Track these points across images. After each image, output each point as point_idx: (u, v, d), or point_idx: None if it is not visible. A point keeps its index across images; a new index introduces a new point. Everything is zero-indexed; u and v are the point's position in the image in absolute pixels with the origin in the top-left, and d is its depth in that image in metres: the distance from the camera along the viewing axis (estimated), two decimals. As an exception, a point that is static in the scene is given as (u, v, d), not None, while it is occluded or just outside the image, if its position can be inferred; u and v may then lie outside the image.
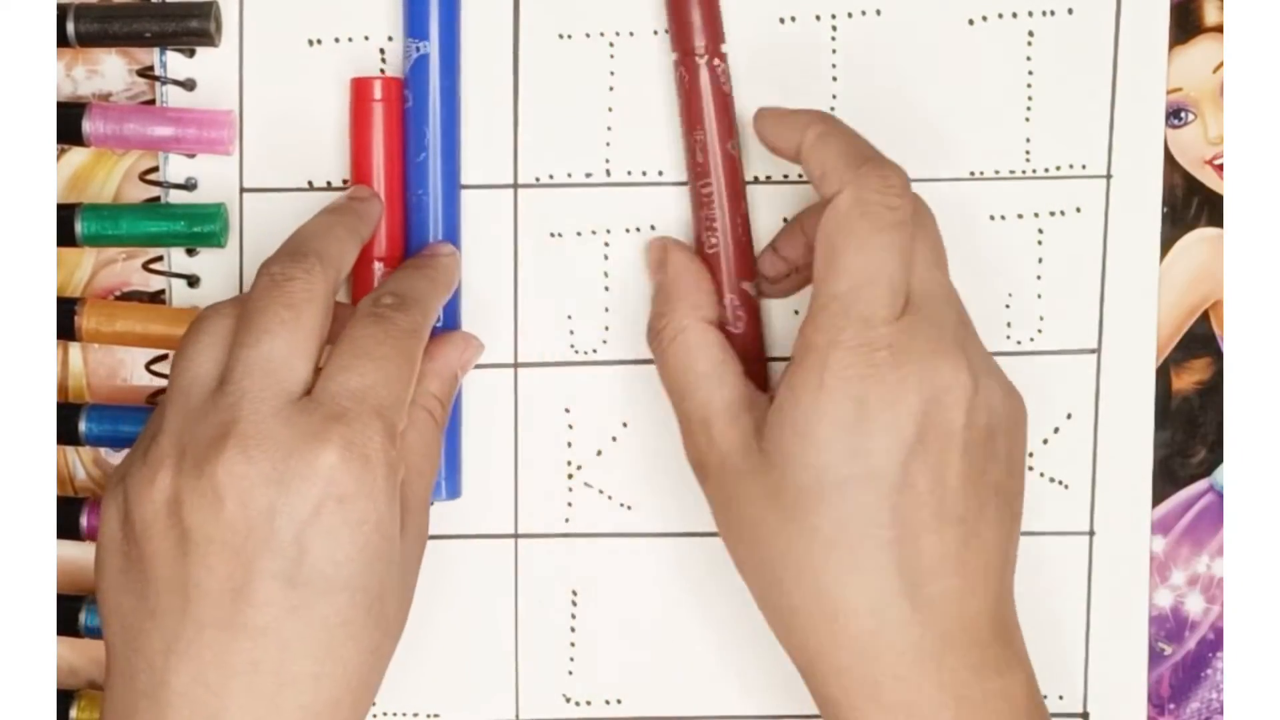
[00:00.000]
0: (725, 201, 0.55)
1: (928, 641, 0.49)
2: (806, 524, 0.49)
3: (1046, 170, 0.57)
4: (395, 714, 0.58)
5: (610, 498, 0.58)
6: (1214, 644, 0.59)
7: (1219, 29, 0.57)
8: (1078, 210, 0.57)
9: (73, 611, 0.56)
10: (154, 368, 0.57)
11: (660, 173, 0.57)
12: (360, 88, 0.55)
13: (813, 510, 0.49)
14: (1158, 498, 0.58)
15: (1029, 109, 0.57)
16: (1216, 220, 0.58)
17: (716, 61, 0.55)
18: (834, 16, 0.57)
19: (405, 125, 0.55)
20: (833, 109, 0.57)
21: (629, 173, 0.57)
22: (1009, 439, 0.51)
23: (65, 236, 0.55)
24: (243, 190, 0.57)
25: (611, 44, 0.57)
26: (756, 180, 0.57)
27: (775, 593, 0.51)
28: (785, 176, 0.57)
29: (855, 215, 0.50)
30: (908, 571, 0.48)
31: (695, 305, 0.54)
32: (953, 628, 0.49)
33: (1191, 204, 0.58)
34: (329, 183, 0.57)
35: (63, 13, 0.55)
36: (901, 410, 0.48)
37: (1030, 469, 0.58)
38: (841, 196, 0.50)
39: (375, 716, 0.58)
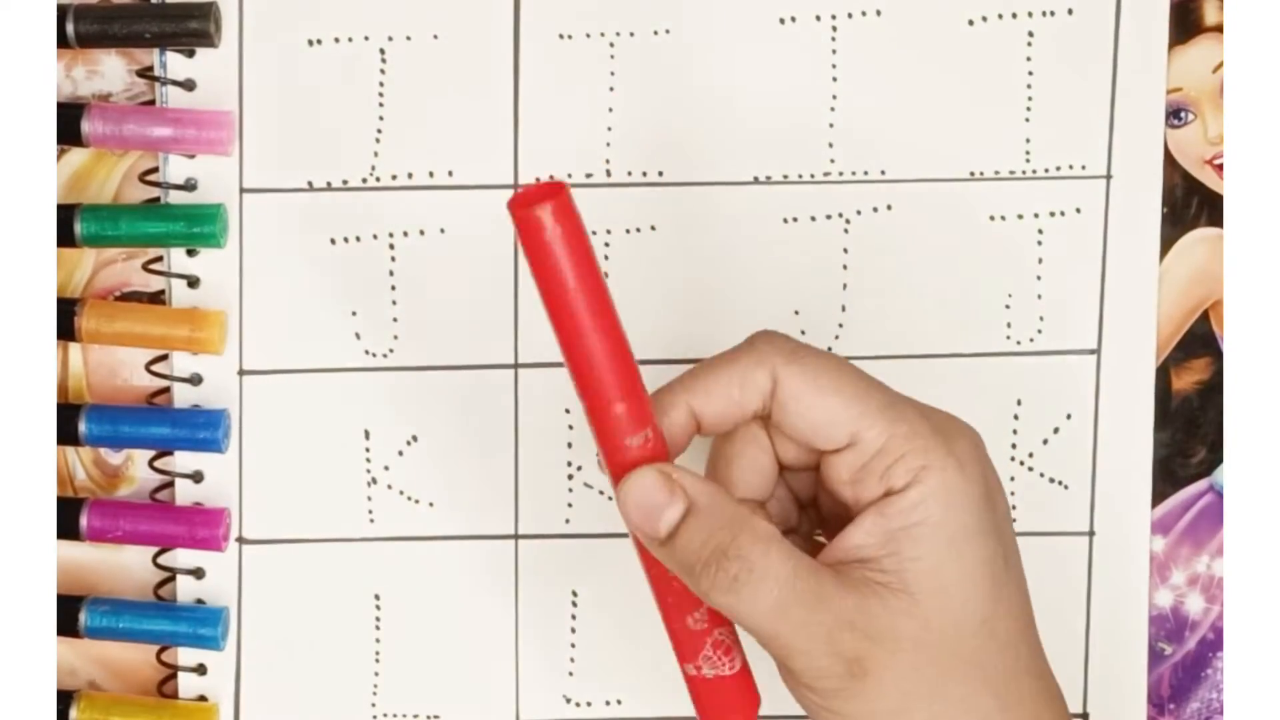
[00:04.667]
0: None
1: None
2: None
3: (1046, 170, 0.57)
4: (395, 714, 0.58)
5: (610, 498, 0.58)
6: (1214, 644, 0.59)
7: (1219, 29, 0.57)
8: (1078, 210, 0.57)
9: (73, 611, 0.56)
10: (154, 368, 0.57)
11: (660, 173, 0.57)
12: (526, 224, 0.43)
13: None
14: (1158, 498, 0.58)
15: (1029, 109, 0.57)
16: (1216, 220, 0.58)
17: None
18: (834, 16, 0.57)
19: None
20: (833, 109, 0.57)
21: (629, 173, 0.57)
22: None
23: (65, 237, 0.55)
24: (242, 190, 0.57)
25: (611, 44, 0.57)
26: (756, 180, 0.57)
27: None
28: (785, 177, 0.57)
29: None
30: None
31: (751, 526, 0.46)
32: None
33: (1191, 204, 0.58)
34: (329, 183, 0.57)
35: (63, 13, 0.55)
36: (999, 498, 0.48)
37: (1030, 469, 0.58)
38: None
39: (375, 717, 0.58)
